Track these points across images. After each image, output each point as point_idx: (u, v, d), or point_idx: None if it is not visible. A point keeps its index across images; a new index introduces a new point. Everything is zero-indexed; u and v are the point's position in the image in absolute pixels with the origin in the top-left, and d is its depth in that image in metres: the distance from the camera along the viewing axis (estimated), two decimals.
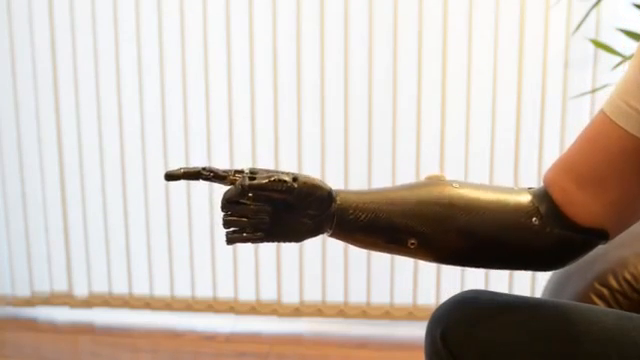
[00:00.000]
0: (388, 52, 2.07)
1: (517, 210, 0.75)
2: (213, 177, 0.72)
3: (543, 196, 0.76)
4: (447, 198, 0.74)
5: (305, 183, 0.72)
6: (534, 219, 0.74)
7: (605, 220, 0.75)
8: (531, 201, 0.76)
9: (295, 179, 0.71)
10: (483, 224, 0.74)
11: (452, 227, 0.74)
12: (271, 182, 0.71)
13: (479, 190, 0.76)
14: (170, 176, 0.72)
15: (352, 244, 0.77)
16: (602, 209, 0.74)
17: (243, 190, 0.70)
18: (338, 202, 0.73)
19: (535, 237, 0.74)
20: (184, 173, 0.72)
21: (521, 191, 0.77)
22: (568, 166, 0.76)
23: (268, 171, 0.73)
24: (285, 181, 0.71)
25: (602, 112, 0.74)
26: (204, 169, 0.72)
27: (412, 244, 0.74)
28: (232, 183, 0.72)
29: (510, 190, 0.77)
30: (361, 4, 2.05)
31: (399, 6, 2.05)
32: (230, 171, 0.73)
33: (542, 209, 0.75)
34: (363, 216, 0.73)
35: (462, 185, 0.76)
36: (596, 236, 0.75)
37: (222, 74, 2.15)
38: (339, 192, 0.74)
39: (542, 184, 0.79)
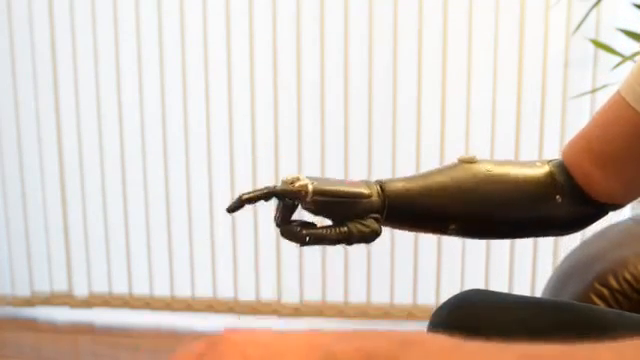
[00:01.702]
0: (388, 52, 2.07)
1: (544, 187, 0.78)
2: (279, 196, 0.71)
3: (564, 173, 0.79)
4: (481, 184, 0.77)
5: (361, 232, 0.72)
6: (557, 197, 0.78)
7: (622, 196, 0.79)
8: (554, 178, 0.79)
9: (350, 233, 0.71)
10: (515, 205, 0.78)
11: (488, 210, 0.77)
12: (327, 236, 0.71)
13: (508, 169, 0.79)
14: (233, 209, 0.70)
15: (397, 229, 0.80)
16: (620, 187, 0.78)
17: (299, 242, 0.71)
18: (388, 196, 0.74)
19: (558, 211, 0.78)
20: (246, 199, 0.69)
21: (544, 165, 0.80)
22: (586, 146, 0.79)
23: (326, 190, 0.70)
24: (341, 238, 0.71)
25: (618, 93, 0.76)
26: (268, 194, 0.69)
27: (452, 229, 0.77)
28: (293, 195, 0.70)
29: (534, 166, 0.80)
30: (361, 4, 2.05)
31: (399, 6, 2.05)
32: (289, 185, 0.69)
33: (564, 186, 0.78)
34: (410, 208, 0.76)
35: (494, 166, 0.78)
36: (611, 208, 0.80)
37: (222, 74, 2.15)
38: (386, 185, 0.75)
39: (562, 159, 0.81)
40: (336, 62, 2.09)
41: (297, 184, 0.69)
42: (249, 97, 2.15)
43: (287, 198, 0.70)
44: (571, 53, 2.01)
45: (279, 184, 0.71)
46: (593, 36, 1.96)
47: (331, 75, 2.11)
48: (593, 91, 1.96)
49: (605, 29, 1.96)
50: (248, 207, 0.70)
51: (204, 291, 2.28)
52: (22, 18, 2.19)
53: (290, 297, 2.25)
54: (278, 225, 0.71)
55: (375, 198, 0.72)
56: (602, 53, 1.92)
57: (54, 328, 2.32)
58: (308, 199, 0.69)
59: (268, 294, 2.26)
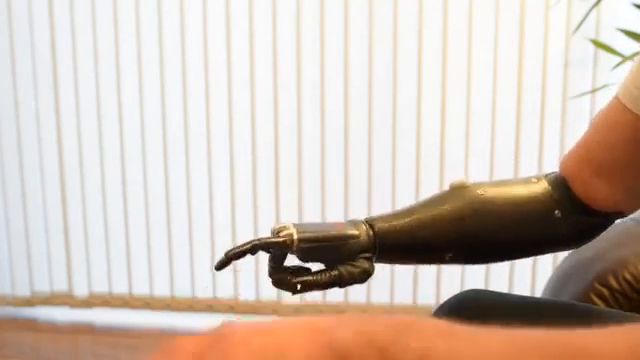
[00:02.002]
0: (388, 52, 2.07)
1: (541, 205, 0.76)
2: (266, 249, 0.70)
3: (562, 186, 0.77)
4: (474, 209, 0.75)
5: (351, 274, 0.71)
6: (556, 212, 0.76)
7: (623, 204, 0.77)
8: (552, 193, 0.77)
9: (341, 276, 0.71)
10: (510, 227, 0.76)
11: (482, 236, 0.75)
12: (317, 282, 0.71)
13: (502, 190, 0.77)
14: (220, 267, 0.70)
15: (393, 264, 0.80)
16: (620, 195, 0.75)
17: (291, 290, 0.70)
18: (378, 234, 0.74)
19: (557, 227, 0.76)
20: (233, 255, 0.68)
21: (539, 181, 0.78)
22: (585, 156, 0.77)
23: (310, 237, 0.69)
24: (331, 281, 0.71)
25: (616, 98, 0.74)
26: (253, 247, 0.68)
27: (449, 257, 0.75)
28: (278, 246, 0.69)
29: (530, 182, 0.78)
30: (361, 4, 2.05)
31: (399, 6, 2.05)
32: (275, 235, 0.69)
33: (562, 200, 0.76)
34: (402, 244, 0.74)
35: (486, 189, 0.76)
36: (616, 217, 0.78)
37: (222, 74, 2.15)
38: (375, 223, 0.74)
39: (558, 172, 0.79)
40: (336, 62, 2.09)
41: (282, 234, 0.68)
42: (249, 97, 2.15)
43: (274, 249, 0.69)
44: (571, 53, 2.01)
45: (271, 229, 0.70)
46: (593, 36, 1.96)
47: (331, 75, 2.10)
48: (593, 91, 1.96)
49: (605, 29, 1.96)
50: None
51: (204, 291, 2.28)
52: (22, 18, 2.19)
53: (290, 297, 2.24)
54: (270, 275, 0.70)
55: (364, 237, 0.71)
56: (602, 53, 1.92)
57: (54, 328, 2.32)
58: (294, 248, 0.68)
59: (268, 294, 2.26)
